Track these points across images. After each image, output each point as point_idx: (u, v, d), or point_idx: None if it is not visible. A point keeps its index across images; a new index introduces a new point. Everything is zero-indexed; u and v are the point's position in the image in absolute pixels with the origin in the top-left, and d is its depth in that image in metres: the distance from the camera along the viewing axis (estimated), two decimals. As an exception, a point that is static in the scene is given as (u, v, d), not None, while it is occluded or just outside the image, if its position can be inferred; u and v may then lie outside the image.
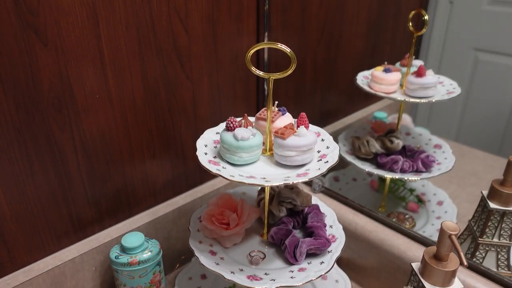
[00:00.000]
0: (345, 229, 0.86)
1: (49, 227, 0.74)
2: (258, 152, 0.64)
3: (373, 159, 0.99)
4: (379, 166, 0.96)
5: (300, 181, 0.58)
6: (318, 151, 0.67)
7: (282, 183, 0.57)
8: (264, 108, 0.69)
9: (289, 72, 0.59)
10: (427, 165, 0.93)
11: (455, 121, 1.23)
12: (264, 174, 0.62)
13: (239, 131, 0.62)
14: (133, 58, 0.74)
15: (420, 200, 1.13)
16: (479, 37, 1.12)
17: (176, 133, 0.86)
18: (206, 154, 0.66)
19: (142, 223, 0.85)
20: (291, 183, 0.57)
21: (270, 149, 0.67)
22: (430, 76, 0.87)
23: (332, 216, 0.78)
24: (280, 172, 0.63)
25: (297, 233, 0.76)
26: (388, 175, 0.94)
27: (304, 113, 0.64)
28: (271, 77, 0.61)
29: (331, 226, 0.76)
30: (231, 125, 0.63)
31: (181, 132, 0.87)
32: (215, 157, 0.66)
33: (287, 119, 0.69)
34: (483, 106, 1.15)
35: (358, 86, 0.95)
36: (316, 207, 0.77)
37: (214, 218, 0.74)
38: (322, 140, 0.69)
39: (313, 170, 0.61)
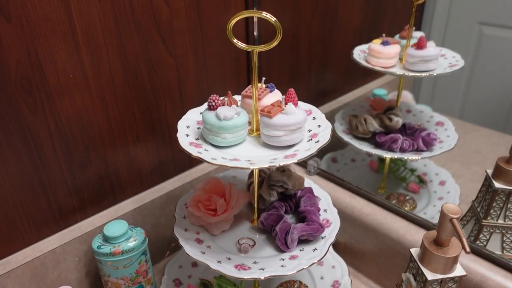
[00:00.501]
0: (341, 212, 0.82)
1: (27, 217, 0.70)
2: (244, 133, 0.60)
3: (371, 138, 0.94)
4: (378, 145, 0.91)
5: (288, 163, 0.53)
6: (309, 130, 0.62)
7: (268, 165, 0.53)
8: (250, 85, 0.64)
9: (274, 43, 0.54)
10: (428, 143, 0.88)
11: (459, 98, 1.18)
12: (249, 156, 0.57)
13: (221, 110, 0.57)
14: (109, 34, 0.69)
15: (422, 181, 1.09)
16: (483, 10, 1.05)
17: (161, 114, 0.81)
18: (187, 136, 0.61)
19: (128, 210, 0.80)
20: (277, 165, 0.52)
21: (257, 129, 0.62)
22: (431, 48, 0.81)
23: (327, 200, 0.74)
24: (267, 153, 0.58)
25: (289, 218, 0.71)
26: (387, 155, 0.89)
27: (292, 89, 0.59)
28: (254, 50, 0.56)
29: (325, 210, 0.72)
30: (213, 103, 0.58)
31: (167, 113, 0.82)
32: (197, 139, 0.61)
33: (275, 96, 0.64)
34: (488, 82, 1.09)
35: (354, 60, 0.89)
36: (310, 190, 0.73)
37: (201, 204, 0.70)
38: (314, 118, 0.64)
39: (302, 151, 0.56)
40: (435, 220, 0.76)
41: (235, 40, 0.56)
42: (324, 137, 0.58)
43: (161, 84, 0.79)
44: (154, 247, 0.86)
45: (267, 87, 0.64)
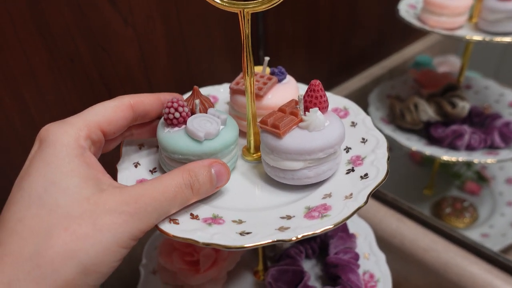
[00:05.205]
0: (385, 242, 0.57)
1: None
2: (233, 157, 0.34)
3: (422, 129, 0.68)
4: (433, 140, 0.65)
5: (316, 232, 0.28)
6: (347, 150, 0.36)
7: (275, 240, 0.27)
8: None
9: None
10: (509, 137, 0.62)
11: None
12: (243, 206, 0.32)
13: (197, 123, 0.31)
14: (14, -8, 0.42)
15: (482, 178, 0.83)
16: None
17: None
18: (136, 166, 0.36)
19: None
20: (294, 238, 0.27)
21: (256, 149, 0.36)
22: (526, -3, 0.53)
23: (368, 237, 0.49)
24: (273, 199, 0.33)
25: (312, 271, 0.47)
26: (448, 157, 0.62)
27: (317, 81, 0.32)
28: (245, 10, 0.29)
29: (367, 256, 0.47)
30: (176, 114, 0.32)
31: (129, 109, 0.57)
32: (154, 170, 0.36)
33: (288, 89, 0.38)
34: None
35: (403, 20, 0.61)
36: (342, 228, 0.48)
37: (177, 254, 0.46)
38: (353, 124, 0.38)
39: (337, 198, 0.31)
40: (509, 237, 0.52)
41: (206, -7, 0.30)
42: (378, 168, 0.32)
43: (115, 68, 0.53)
44: (124, 281, 0.64)
45: (273, 73, 0.38)
